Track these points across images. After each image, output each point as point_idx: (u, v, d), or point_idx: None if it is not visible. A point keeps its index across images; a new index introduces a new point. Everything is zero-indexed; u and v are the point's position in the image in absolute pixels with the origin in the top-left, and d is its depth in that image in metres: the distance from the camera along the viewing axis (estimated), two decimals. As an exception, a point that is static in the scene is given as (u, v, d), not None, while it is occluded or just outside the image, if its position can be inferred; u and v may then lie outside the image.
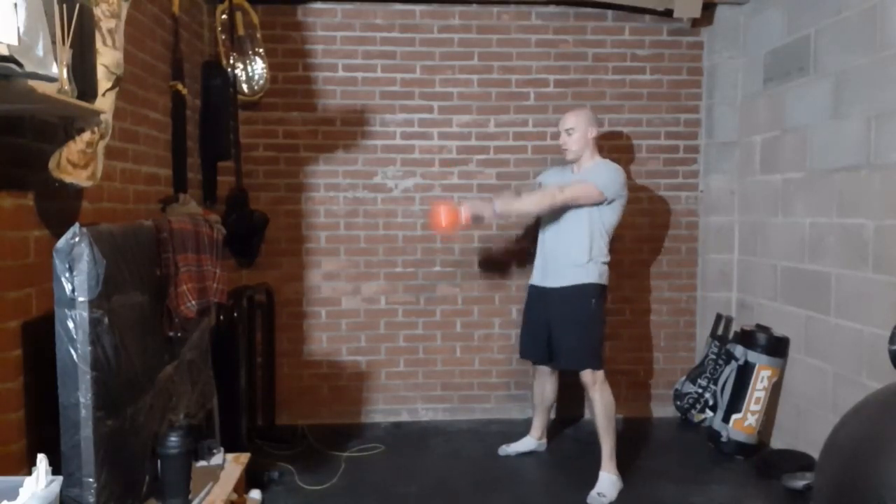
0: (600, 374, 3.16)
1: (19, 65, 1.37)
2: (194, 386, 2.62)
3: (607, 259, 3.24)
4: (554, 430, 3.80)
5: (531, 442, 3.59)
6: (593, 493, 3.02)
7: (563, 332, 3.21)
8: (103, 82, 1.94)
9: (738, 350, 3.60)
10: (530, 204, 3.27)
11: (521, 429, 3.69)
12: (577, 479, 3.19)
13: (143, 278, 2.15)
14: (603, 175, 3.16)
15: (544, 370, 3.47)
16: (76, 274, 1.80)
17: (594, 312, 3.18)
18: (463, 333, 4.10)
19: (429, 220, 3.23)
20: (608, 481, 3.08)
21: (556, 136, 4.01)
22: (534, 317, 3.38)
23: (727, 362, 3.71)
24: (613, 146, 4.07)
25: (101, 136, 2.04)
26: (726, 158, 4.05)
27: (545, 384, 3.51)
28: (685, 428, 3.94)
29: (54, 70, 1.52)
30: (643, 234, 4.13)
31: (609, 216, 3.19)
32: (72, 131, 1.95)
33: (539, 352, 3.37)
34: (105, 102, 1.98)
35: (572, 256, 3.18)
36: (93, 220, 2.30)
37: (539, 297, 3.34)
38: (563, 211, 3.18)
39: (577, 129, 3.22)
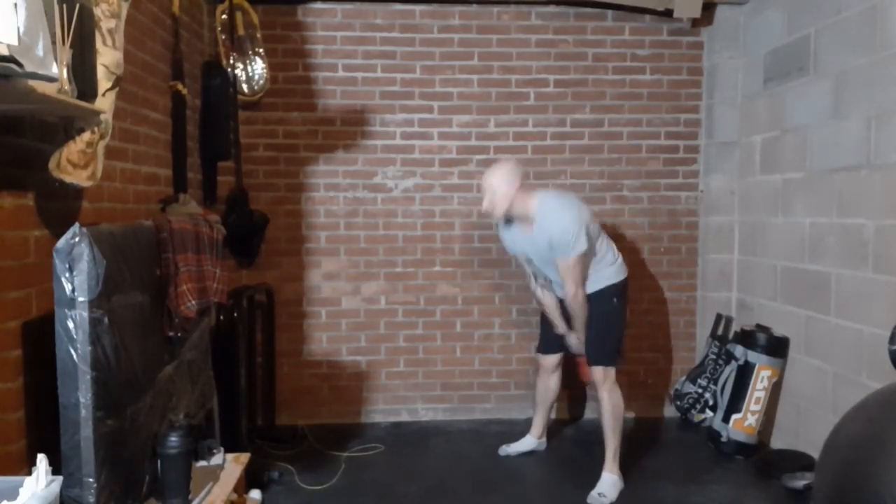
0: (612, 372, 3.13)
1: (19, 65, 1.37)
2: (194, 386, 2.62)
3: (615, 257, 3.21)
4: (554, 430, 3.80)
5: (531, 441, 3.59)
6: (594, 493, 3.02)
7: (589, 335, 3.19)
8: (103, 82, 1.94)
9: (738, 350, 3.60)
10: (580, 314, 3.16)
11: (521, 428, 3.69)
12: (577, 479, 3.19)
13: (143, 278, 2.15)
14: (565, 240, 2.95)
15: (548, 367, 3.48)
16: (76, 274, 1.80)
17: (616, 310, 3.18)
18: (463, 333, 4.10)
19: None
20: (609, 481, 3.08)
21: (555, 136, 4.05)
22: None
23: (727, 362, 3.71)
24: (613, 146, 4.07)
25: (101, 136, 2.04)
26: (726, 158, 4.05)
27: (549, 381, 3.52)
28: (685, 428, 3.94)
29: (54, 70, 1.52)
30: (643, 234, 4.13)
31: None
32: (72, 131, 1.94)
33: (558, 342, 3.40)
34: (105, 102, 1.98)
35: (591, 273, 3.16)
36: (93, 220, 2.30)
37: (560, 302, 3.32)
38: (547, 259, 3.10)
39: (497, 188, 3.00)
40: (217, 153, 3.64)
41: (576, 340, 3.29)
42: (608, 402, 3.12)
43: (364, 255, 4.03)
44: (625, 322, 3.30)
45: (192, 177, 3.45)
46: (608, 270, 3.17)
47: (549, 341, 3.46)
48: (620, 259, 3.25)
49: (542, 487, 3.19)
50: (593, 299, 3.15)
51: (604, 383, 3.12)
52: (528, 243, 3.13)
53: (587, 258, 3.09)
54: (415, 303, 4.07)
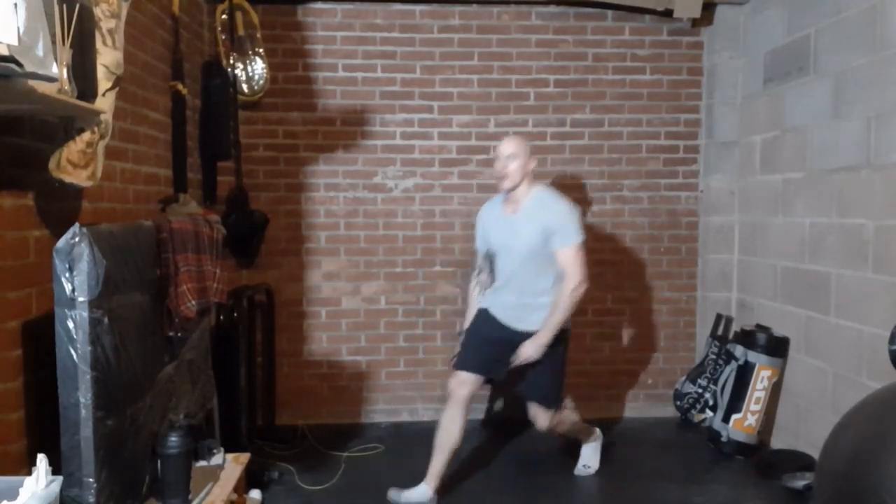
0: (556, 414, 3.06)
1: (19, 65, 1.37)
2: (194, 386, 2.61)
3: None
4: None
5: (425, 492, 2.98)
6: (579, 465, 3.30)
7: (536, 372, 2.96)
8: (103, 82, 1.94)
9: (738, 350, 3.60)
10: (564, 312, 2.89)
11: (520, 428, 3.68)
12: (576, 478, 3.18)
13: (143, 278, 2.15)
14: (567, 224, 2.87)
15: (468, 391, 2.97)
16: (76, 274, 1.80)
17: (564, 357, 3.03)
18: (463, 333, 4.09)
19: None
20: (590, 449, 3.35)
21: (555, 136, 4.05)
22: (489, 335, 3.01)
23: (727, 362, 3.71)
24: (613, 146, 4.07)
25: (101, 136, 2.05)
26: (726, 158, 4.05)
27: (463, 411, 2.99)
28: (685, 428, 3.94)
29: (54, 70, 1.52)
30: (643, 234, 4.13)
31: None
32: (72, 131, 1.95)
33: (489, 367, 2.99)
34: (105, 102, 1.98)
35: (540, 300, 2.92)
36: (93, 220, 2.30)
37: (499, 327, 3.01)
38: (530, 252, 2.90)
39: (518, 157, 2.88)
40: (217, 153, 3.64)
41: (533, 347, 2.87)
42: (565, 425, 3.18)
43: (364, 255, 4.03)
44: (566, 369, 3.11)
45: (192, 177, 3.45)
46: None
47: (481, 355, 3.00)
48: None
49: (543, 487, 3.19)
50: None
51: (552, 421, 3.05)
52: (507, 225, 2.96)
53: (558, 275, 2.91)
54: (415, 303, 4.07)
